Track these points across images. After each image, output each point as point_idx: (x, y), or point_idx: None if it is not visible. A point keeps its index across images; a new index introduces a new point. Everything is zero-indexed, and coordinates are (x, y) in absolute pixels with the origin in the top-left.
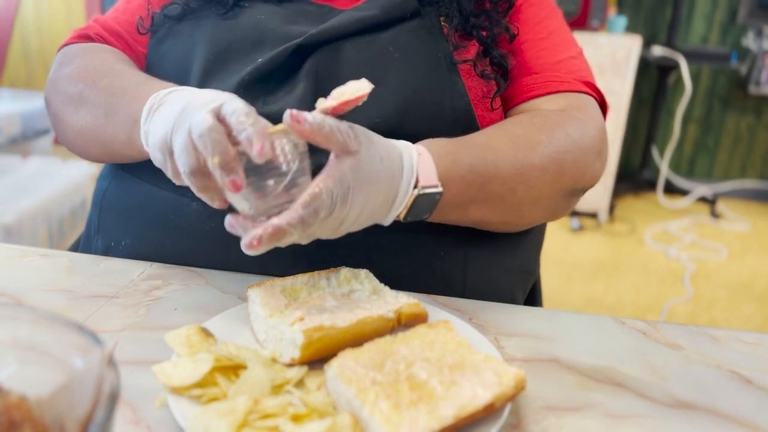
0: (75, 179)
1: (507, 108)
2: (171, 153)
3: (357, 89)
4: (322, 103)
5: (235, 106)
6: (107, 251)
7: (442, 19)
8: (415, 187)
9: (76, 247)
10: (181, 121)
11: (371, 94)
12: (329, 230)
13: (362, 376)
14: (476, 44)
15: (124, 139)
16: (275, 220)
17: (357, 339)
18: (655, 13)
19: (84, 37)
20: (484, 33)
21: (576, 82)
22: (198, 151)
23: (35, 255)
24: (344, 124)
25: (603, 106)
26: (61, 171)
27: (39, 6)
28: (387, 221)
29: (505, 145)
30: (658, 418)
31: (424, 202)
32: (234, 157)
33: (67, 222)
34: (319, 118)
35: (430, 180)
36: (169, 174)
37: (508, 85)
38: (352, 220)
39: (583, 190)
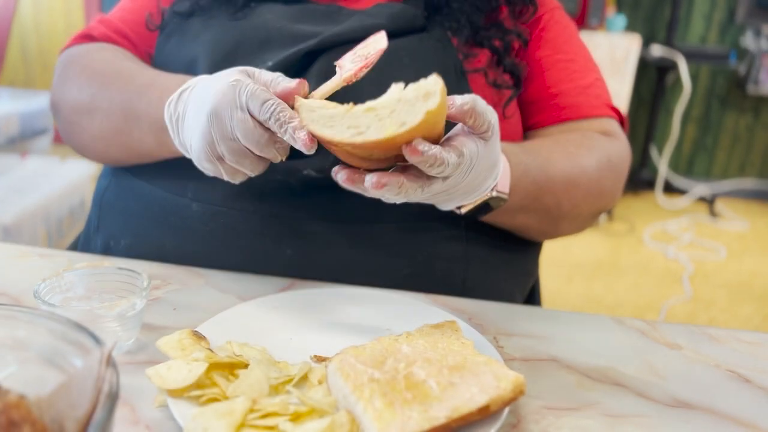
0: (74, 179)
1: (540, 126)
2: (220, 159)
3: (376, 46)
4: (344, 72)
5: (264, 112)
6: (106, 251)
7: (449, 33)
8: (491, 188)
9: (75, 247)
10: (220, 124)
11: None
12: (443, 189)
13: (360, 372)
14: (488, 52)
15: (153, 144)
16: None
17: None
18: (654, 13)
19: (87, 37)
20: (497, 42)
21: (604, 106)
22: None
23: (34, 255)
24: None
25: (622, 125)
26: (60, 171)
27: (37, 5)
28: (451, 206)
29: (561, 162)
30: (657, 417)
31: (491, 204)
32: (269, 144)
33: (66, 222)
34: (471, 100)
35: (504, 187)
36: (226, 177)
37: (540, 103)
38: (455, 192)
39: (606, 210)
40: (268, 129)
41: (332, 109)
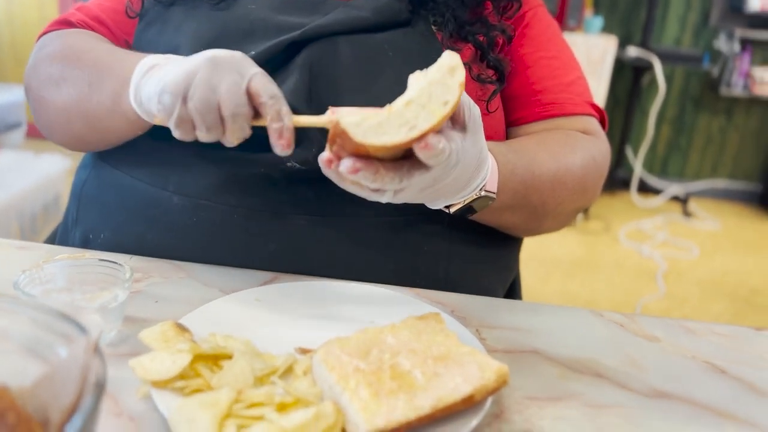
0: (48, 174)
1: (522, 122)
2: (185, 100)
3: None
4: (336, 114)
5: (269, 90)
6: (85, 244)
7: (434, 28)
8: (480, 187)
9: (52, 240)
10: (211, 71)
11: (365, 92)
12: (421, 186)
13: (345, 363)
14: (471, 47)
15: (109, 105)
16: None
17: None
18: (630, 15)
19: (65, 23)
20: (481, 37)
21: (585, 104)
22: (220, 110)
23: (12, 247)
24: (468, 100)
25: (603, 123)
26: (34, 165)
27: None
28: (439, 205)
29: (547, 161)
30: (637, 407)
31: (479, 203)
32: (242, 119)
33: (40, 217)
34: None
35: (493, 186)
36: (172, 120)
37: (523, 99)
38: (437, 188)
39: (587, 207)
40: (252, 108)
41: (375, 117)
